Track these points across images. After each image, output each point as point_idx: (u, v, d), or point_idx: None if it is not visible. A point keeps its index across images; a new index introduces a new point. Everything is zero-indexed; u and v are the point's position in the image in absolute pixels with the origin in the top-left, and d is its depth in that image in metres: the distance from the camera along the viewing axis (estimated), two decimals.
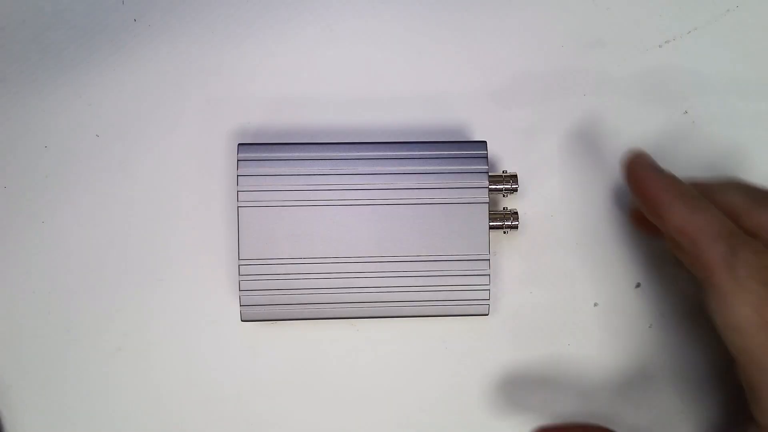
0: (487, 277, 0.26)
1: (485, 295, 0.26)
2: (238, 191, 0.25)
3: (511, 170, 0.28)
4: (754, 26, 0.30)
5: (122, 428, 0.28)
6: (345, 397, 0.28)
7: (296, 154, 0.26)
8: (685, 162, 0.29)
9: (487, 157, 0.26)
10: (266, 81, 0.29)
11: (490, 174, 0.26)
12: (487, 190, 0.26)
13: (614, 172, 0.29)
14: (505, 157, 0.29)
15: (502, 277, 0.28)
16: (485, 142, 0.26)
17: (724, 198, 0.23)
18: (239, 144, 0.26)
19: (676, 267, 0.28)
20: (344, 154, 0.26)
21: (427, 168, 0.26)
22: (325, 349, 0.28)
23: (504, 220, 0.27)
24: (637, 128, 0.29)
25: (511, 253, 0.29)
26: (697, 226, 0.21)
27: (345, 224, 0.26)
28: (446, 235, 0.26)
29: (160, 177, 0.28)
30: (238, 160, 0.25)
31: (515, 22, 0.29)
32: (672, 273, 0.28)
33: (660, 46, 0.30)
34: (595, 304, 0.28)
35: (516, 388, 0.28)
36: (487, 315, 0.26)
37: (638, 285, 0.28)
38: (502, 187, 0.27)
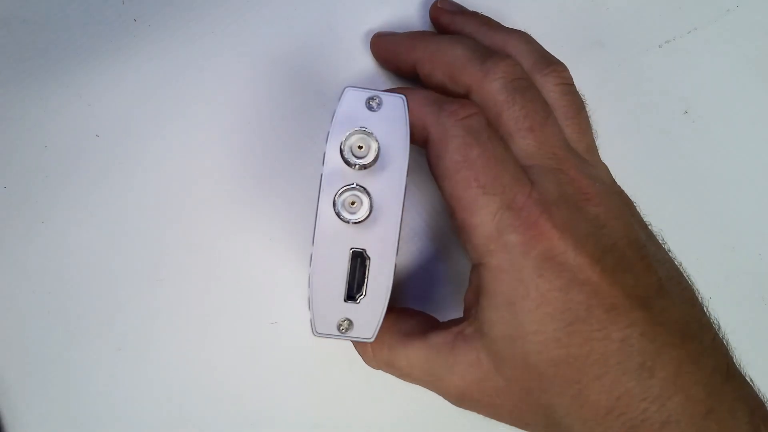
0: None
1: None
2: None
3: None
4: (754, 26, 0.30)
5: (122, 428, 0.28)
6: (345, 396, 0.28)
7: None
8: (685, 162, 0.29)
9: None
10: (265, 81, 0.29)
11: None
12: None
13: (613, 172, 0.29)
14: None
15: None
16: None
17: (450, 50, 0.24)
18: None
19: None
20: None
21: None
22: (326, 348, 0.28)
23: None
24: (637, 128, 0.29)
25: None
26: (411, 100, 0.22)
27: None
28: None
29: (160, 177, 0.28)
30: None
31: (515, 23, 0.29)
32: None
33: (660, 46, 0.30)
34: None
35: None
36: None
37: None
38: None
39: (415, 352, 0.23)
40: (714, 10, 0.30)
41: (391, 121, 0.21)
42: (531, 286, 0.20)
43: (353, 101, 0.21)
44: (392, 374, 0.24)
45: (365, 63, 0.29)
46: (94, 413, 0.28)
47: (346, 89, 0.21)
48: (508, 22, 0.29)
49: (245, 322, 0.28)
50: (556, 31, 0.29)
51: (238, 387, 0.28)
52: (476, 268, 0.22)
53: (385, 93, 0.21)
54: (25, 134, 0.28)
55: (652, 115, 0.29)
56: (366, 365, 0.25)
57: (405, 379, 0.24)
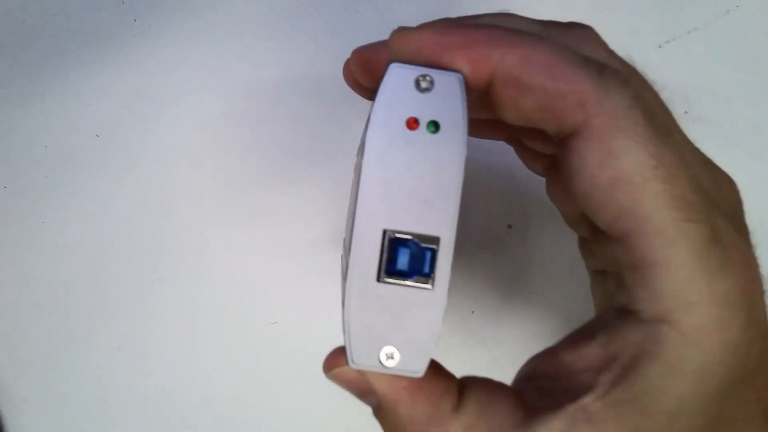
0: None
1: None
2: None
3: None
4: (753, 26, 0.30)
5: (122, 428, 0.28)
6: (346, 396, 0.28)
7: None
8: None
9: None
10: (267, 80, 0.29)
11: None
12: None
13: None
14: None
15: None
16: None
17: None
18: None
19: None
20: None
21: None
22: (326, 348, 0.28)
23: None
24: None
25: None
26: (547, 52, 0.15)
27: None
28: None
29: (160, 177, 0.28)
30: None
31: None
32: None
33: (660, 46, 0.30)
34: None
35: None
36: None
37: None
38: None
39: None
40: (714, 10, 0.30)
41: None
42: (739, 352, 0.15)
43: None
44: None
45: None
46: (93, 413, 0.28)
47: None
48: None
49: (245, 322, 0.28)
50: None
51: (237, 387, 0.28)
52: (645, 325, 0.15)
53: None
54: (25, 134, 0.28)
55: None
56: None
57: None
